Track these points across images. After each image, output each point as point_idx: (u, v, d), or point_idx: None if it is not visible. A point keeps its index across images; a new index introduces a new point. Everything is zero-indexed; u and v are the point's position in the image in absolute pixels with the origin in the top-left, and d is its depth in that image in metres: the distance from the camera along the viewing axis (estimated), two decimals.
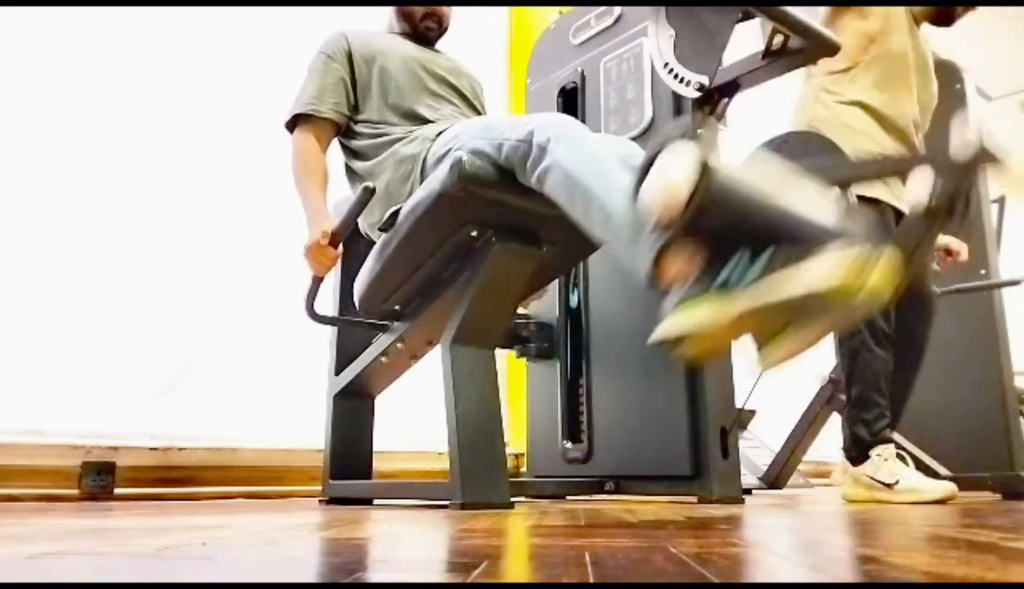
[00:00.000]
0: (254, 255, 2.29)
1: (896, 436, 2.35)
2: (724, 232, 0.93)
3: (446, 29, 1.95)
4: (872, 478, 2.00)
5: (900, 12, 2.14)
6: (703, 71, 1.63)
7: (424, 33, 1.91)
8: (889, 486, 1.96)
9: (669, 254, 0.99)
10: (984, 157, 1.21)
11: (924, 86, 2.20)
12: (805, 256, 0.84)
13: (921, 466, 2.32)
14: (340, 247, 1.62)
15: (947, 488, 1.93)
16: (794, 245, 0.87)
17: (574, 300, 2.19)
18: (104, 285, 2.03)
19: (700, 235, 0.94)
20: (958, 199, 1.30)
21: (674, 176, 0.91)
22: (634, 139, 1.87)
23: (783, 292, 0.85)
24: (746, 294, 0.89)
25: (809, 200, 0.92)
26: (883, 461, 1.98)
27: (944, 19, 2.20)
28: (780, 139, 1.82)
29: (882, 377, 2.04)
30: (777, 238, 0.89)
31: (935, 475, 2.28)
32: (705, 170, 0.89)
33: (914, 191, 1.28)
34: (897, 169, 1.64)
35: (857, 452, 2.04)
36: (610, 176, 1.17)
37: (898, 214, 2.09)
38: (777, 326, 0.91)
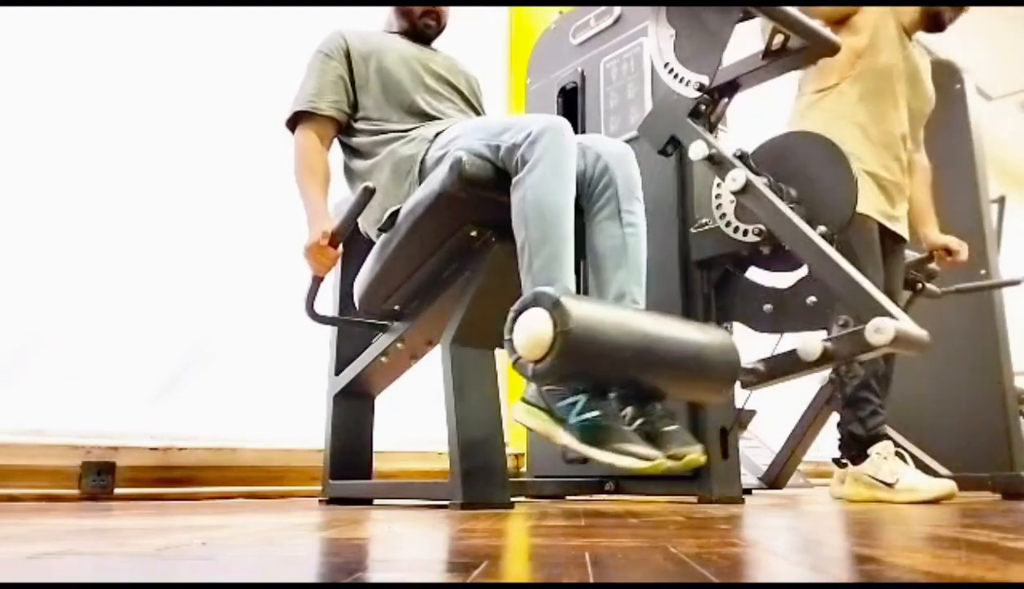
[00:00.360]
0: (254, 255, 2.29)
1: (895, 435, 2.36)
2: (575, 375, 1.20)
3: (444, 27, 1.95)
4: (873, 477, 2.01)
5: (889, 25, 2.14)
6: (703, 71, 1.63)
7: (423, 31, 1.91)
8: (890, 485, 1.97)
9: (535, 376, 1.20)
10: (901, 346, 1.28)
11: (916, 95, 2.21)
12: (619, 450, 1.19)
13: (921, 466, 2.32)
14: (340, 247, 1.62)
15: (946, 486, 1.93)
16: (630, 402, 1.27)
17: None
18: (104, 285, 2.03)
19: (555, 376, 1.17)
20: (847, 365, 1.40)
21: (535, 328, 1.14)
22: (634, 140, 1.87)
23: (593, 455, 1.20)
24: (568, 436, 1.23)
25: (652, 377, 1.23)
26: (883, 459, 1.99)
27: (935, 25, 2.20)
28: (780, 138, 1.83)
29: (871, 376, 2.05)
30: (620, 393, 1.25)
31: (935, 475, 2.28)
32: (558, 328, 1.11)
33: (814, 340, 1.37)
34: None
35: (856, 450, 2.04)
36: (551, 239, 1.33)
37: (888, 234, 2.10)
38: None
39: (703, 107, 1.63)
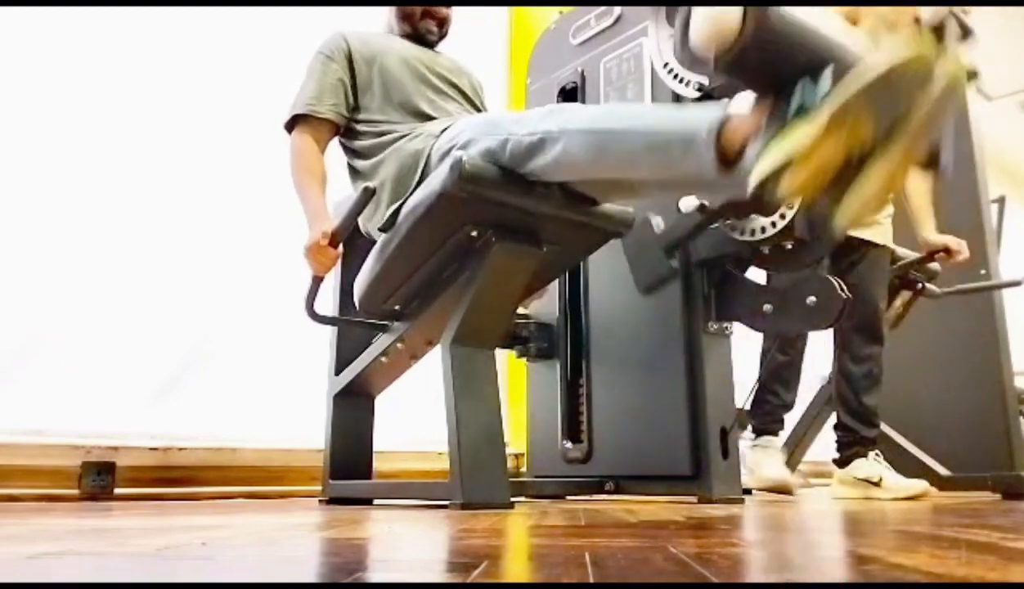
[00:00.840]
0: (254, 255, 2.29)
1: (895, 435, 2.38)
2: (779, 65, 0.93)
3: (446, 34, 1.95)
4: (857, 478, 2.11)
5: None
6: (703, 71, 1.63)
7: (424, 36, 1.91)
8: (875, 484, 2.05)
9: (730, 122, 0.99)
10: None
11: None
12: (865, 58, 0.85)
13: (920, 466, 2.33)
14: (340, 247, 1.62)
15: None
16: (849, 57, 0.87)
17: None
18: (104, 285, 2.03)
19: (756, 71, 0.93)
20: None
21: (720, 11, 0.91)
22: None
23: (862, 80, 0.84)
24: (827, 103, 0.87)
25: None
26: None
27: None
28: None
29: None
30: (832, 59, 0.89)
31: (934, 475, 2.29)
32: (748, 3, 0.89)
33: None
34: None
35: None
36: (633, 111, 1.18)
37: (857, 241, 2.16)
38: (866, 133, 0.87)
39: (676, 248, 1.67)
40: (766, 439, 2.25)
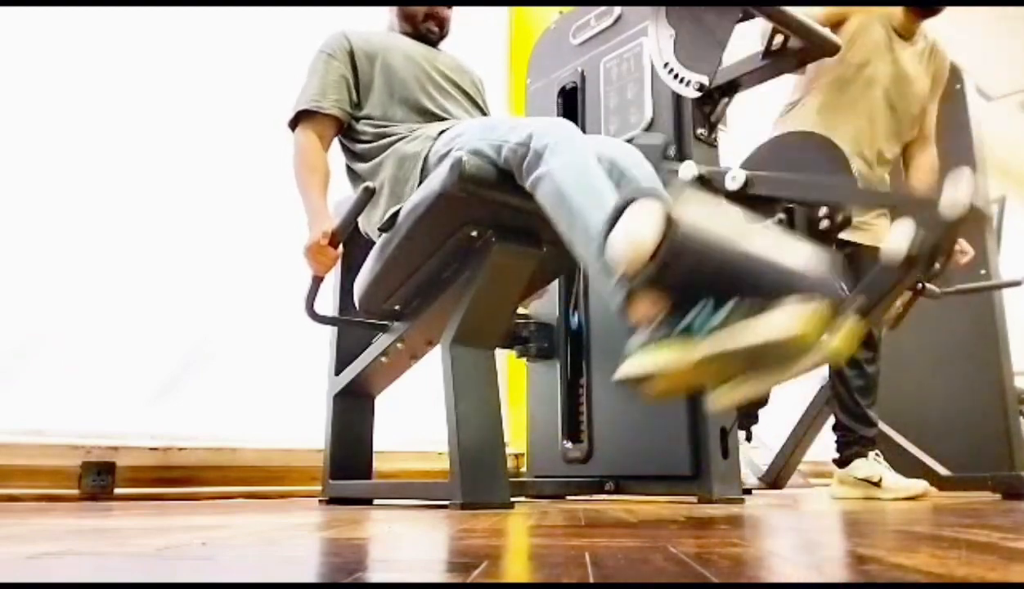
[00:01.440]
0: (254, 255, 2.29)
1: (895, 435, 2.38)
2: (689, 282, 0.95)
3: (447, 34, 1.95)
4: (858, 478, 2.12)
5: (872, 32, 2.12)
6: (703, 71, 1.63)
7: (425, 35, 1.91)
8: (876, 484, 2.05)
9: (636, 297, 1.02)
10: (973, 217, 1.19)
11: (902, 97, 2.19)
12: (766, 308, 0.87)
13: (920, 466, 2.33)
14: (340, 247, 1.62)
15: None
16: (756, 297, 0.89)
17: (575, 322, 2.19)
18: (104, 285, 2.03)
19: (664, 286, 0.96)
20: (938, 254, 1.29)
21: (640, 231, 0.93)
22: (634, 139, 1.86)
23: (742, 340, 0.88)
24: (707, 341, 0.91)
25: (776, 250, 0.94)
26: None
27: (924, 13, 2.16)
28: (779, 139, 1.83)
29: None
30: (741, 290, 0.92)
31: (934, 475, 2.29)
32: (670, 225, 0.91)
33: (894, 238, 1.26)
34: (881, 204, 1.62)
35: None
36: (597, 200, 1.18)
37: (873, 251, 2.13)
38: (733, 373, 0.94)
39: (671, 150, 1.62)
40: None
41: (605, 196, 1.18)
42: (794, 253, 0.95)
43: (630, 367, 1.00)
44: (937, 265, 1.30)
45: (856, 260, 2.17)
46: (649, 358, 0.97)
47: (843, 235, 2.03)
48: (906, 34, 2.18)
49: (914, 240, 1.24)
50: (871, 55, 2.12)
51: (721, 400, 0.97)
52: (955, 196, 1.18)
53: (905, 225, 1.29)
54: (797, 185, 1.69)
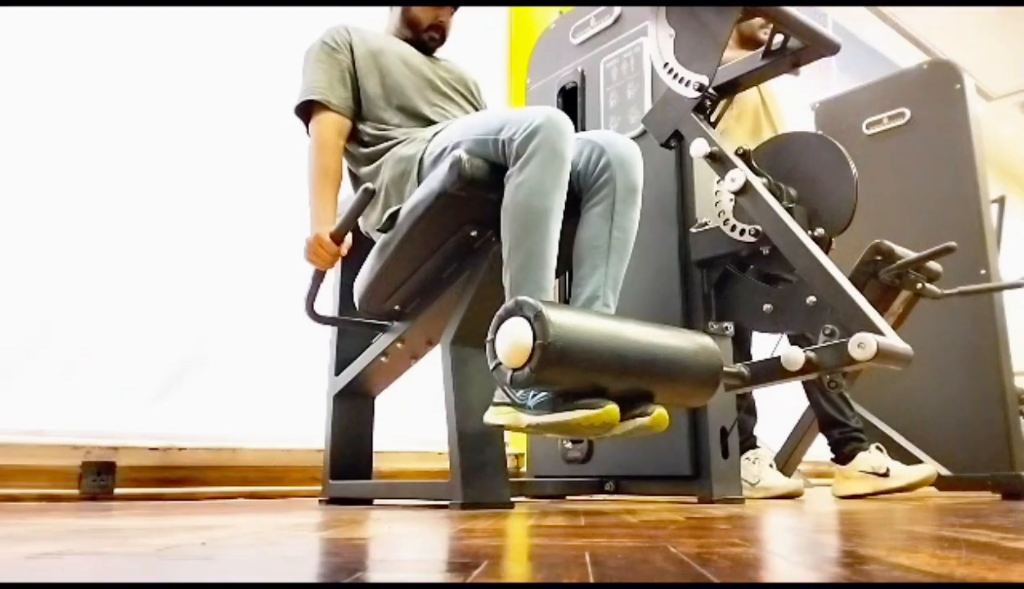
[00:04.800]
0: (254, 255, 2.29)
1: (895, 435, 2.38)
2: (551, 384, 1.23)
3: (445, 40, 1.95)
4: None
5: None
6: (703, 71, 1.63)
7: (426, 42, 1.91)
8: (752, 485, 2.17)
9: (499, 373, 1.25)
10: (882, 360, 1.29)
11: (772, 122, 2.38)
12: (571, 408, 1.20)
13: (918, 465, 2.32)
14: (345, 240, 1.61)
15: (791, 485, 2.17)
16: (573, 399, 1.22)
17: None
18: (104, 285, 2.03)
19: (533, 384, 1.20)
20: (835, 375, 1.42)
21: (518, 341, 1.16)
22: (634, 138, 1.86)
23: (555, 420, 1.23)
24: (532, 417, 1.27)
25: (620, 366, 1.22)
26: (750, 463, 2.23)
27: (755, 46, 2.21)
28: (781, 138, 1.83)
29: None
30: (575, 393, 1.22)
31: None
32: (541, 348, 1.14)
33: (793, 352, 1.39)
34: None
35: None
36: (547, 229, 1.35)
37: None
38: (555, 433, 1.30)
39: (708, 103, 1.63)
40: (750, 452, 2.27)
41: (538, 242, 1.36)
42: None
43: (488, 417, 1.35)
44: (827, 379, 1.43)
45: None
46: (498, 415, 1.34)
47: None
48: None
49: (815, 358, 1.37)
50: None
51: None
52: (864, 343, 1.28)
53: (821, 339, 1.46)
54: (799, 182, 1.69)
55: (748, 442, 2.27)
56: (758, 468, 2.22)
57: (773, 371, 1.43)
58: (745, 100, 2.33)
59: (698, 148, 1.56)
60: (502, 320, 1.21)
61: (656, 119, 1.70)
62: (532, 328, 1.14)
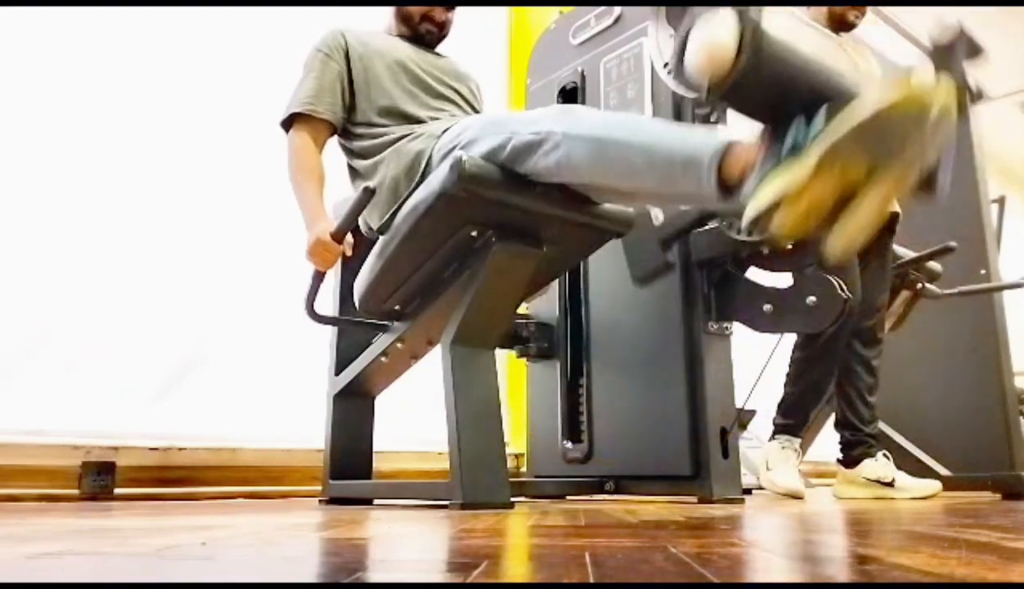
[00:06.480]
0: (254, 256, 2.29)
1: (895, 435, 2.38)
2: (776, 95, 0.93)
3: (447, 34, 1.94)
4: (868, 478, 2.08)
5: None
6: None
7: (423, 36, 1.91)
8: (888, 484, 2.03)
9: (732, 151, 1.00)
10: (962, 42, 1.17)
11: None
12: (856, 96, 0.85)
13: (920, 465, 2.33)
14: (347, 239, 1.61)
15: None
16: (843, 96, 0.87)
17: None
18: (104, 285, 2.03)
19: (753, 99, 0.94)
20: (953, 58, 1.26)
21: (718, 34, 0.90)
22: None
23: (852, 121, 0.85)
24: (816, 145, 0.88)
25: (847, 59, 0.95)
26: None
27: (841, 25, 2.14)
28: None
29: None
30: (827, 95, 0.90)
31: (935, 475, 2.29)
32: (747, 25, 0.88)
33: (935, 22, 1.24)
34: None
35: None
36: (639, 124, 1.18)
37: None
38: (855, 175, 0.88)
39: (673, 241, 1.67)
40: (787, 439, 2.20)
41: (643, 121, 1.17)
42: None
43: (754, 205, 0.96)
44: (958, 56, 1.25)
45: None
46: (768, 189, 0.94)
47: None
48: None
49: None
50: None
51: (849, 227, 0.91)
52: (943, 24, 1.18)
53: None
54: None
55: (793, 428, 2.20)
56: (885, 467, 2.13)
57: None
58: None
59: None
60: (683, 50, 0.95)
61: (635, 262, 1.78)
62: (728, 16, 0.89)
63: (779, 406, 2.22)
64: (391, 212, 1.60)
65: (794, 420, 2.19)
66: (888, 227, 2.15)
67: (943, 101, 0.85)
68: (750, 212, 0.97)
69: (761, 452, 2.21)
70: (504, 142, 1.40)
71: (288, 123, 1.76)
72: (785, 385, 2.21)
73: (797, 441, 2.21)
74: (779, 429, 2.21)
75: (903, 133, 0.85)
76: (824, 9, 2.15)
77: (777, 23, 0.91)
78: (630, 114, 1.33)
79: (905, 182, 0.90)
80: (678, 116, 1.93)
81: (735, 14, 0.89)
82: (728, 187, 1.05)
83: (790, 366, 2.16)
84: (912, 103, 0.83)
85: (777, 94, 0.93)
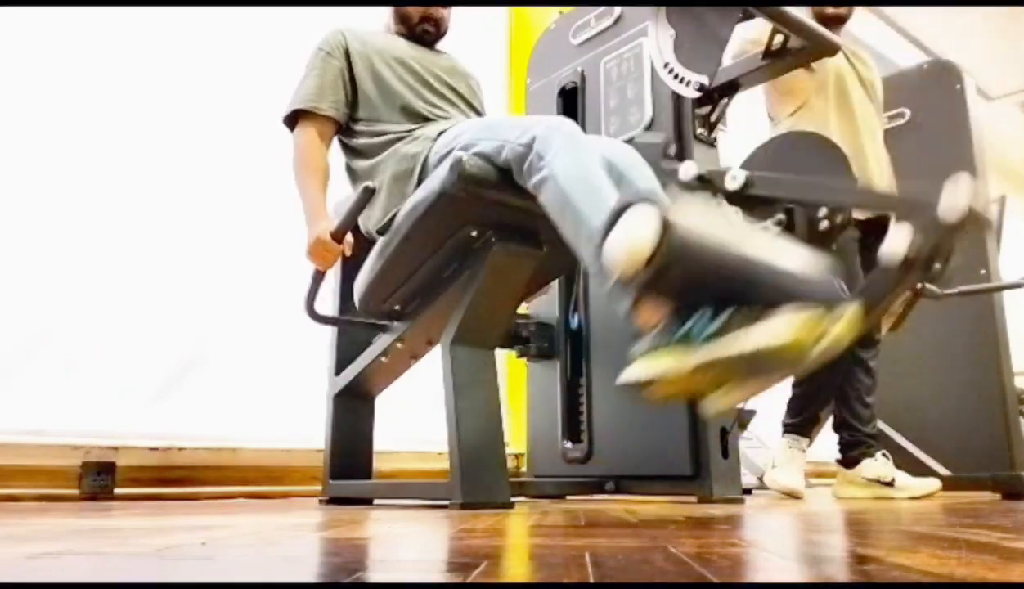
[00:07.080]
0: (254, 256, 2.29)
1: (895, 435, 2.38)
2: (687, 287, 0.97)
3: (445, 32, 1.95)
4: (867, 478, 2.10)
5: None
6: (703, 71, 1.63)
7: (421, 36, 1.91)
8: (888, 484, 2.04)
9: (639, 303, 1.04)
10: (973, 221, 1.17)
11: (871, 92, 2.30)
12: (762, 316, 0.89)
13: (920, 465, 2.33)
14: (347, 238, 1.61)
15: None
16: (754, 304, 0.91)
17: (575, 322, 2.18)
18: (104, 285, 2.03)
19: (662, 290, 0.97)
20: (937, 256, 1.28)
21: (636, 234, 0.93)
22: (634, 139, 1.86)
23: (737, 348, 0.90)
24: (704, 348, 0.94)
25: (773, 254, 0.95)
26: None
27: (835, 23, 2.21)
28: (780, 138, 1.83)
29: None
30: (738, 296, 0.93)
31: (935, 475, 2.29)
32: (667, 230, 0.91)
33: (891, 241, 1.24)
34: (881, 207, 1.64)
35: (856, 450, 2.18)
36: (598, 203, 1.19)
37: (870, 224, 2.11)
38: (729, 378, 0.96)
39: (672, 149, 1.62)
40: (794, 438, 2.21)
41: (607, 200, 1.18)
42: (792, 257, 0.96)
43: (632, 372, 1.02)
44: (937, 266, 1.29)
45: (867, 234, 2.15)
46: (650, 364, 1.00)
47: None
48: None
49: (912, 243, 1.22)
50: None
51: (716, 404, 0.99)
52: (954, 199, 1.17)
53: (902, 228, 1.26)
54: (797, 186, 1.68)
55: (800, 427, 2.22)
56: (885, 467, 2.15)
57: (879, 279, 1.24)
58: (826, 68, 2.19)
59: (687, 172, 1.56)
60: (608, 229, 0.98)
61: None
62: (656, 210, 0.92)
63: (788, 406, 2.24)
64: (389, 215, 1.61)
65: (802, 420, 2.20)
66: (887, 228, 2.15)
67: (836, 334, 0.89)
68: (624, 377, 1.03)
69: (773, 449, 2.23)
70: (498, 149, 1.41)
71: (292, 122, 1.76)
72: (793, 385, 2.21)
73: (805, 441, 2.23)
74: (787, 429, 2.24)
75: (780, 367, 0.92)
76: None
77: (698, 220, 0.93)
78: (616, 159, 1.32)
79: (770, 386, 0.99)
80: (678, 114, 1.93)
81: (659, 219, 0.92)
82: (633, 322, 1.08)
83: None
84: (796, 347, 0.88)
85: (689, 287, 0.97)
